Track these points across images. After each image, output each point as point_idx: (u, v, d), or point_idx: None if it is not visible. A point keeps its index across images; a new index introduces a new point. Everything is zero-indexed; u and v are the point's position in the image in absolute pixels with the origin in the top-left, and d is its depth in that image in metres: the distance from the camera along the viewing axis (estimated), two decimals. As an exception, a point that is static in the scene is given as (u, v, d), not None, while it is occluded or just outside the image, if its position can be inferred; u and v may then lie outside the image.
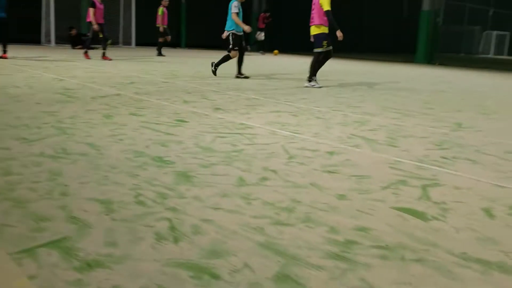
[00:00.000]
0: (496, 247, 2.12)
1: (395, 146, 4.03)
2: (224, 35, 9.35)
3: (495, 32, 44.79)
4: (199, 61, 14.71)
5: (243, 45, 9.44)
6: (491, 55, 41.36)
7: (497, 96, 8.57)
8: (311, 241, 2.09)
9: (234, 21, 9.11)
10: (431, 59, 19.07)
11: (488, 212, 2.56)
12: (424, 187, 2.94)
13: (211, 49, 21.97)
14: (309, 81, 8.32)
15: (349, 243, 2.10)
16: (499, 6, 46.07)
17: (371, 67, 15.43)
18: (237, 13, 9.08)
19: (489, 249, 2.10)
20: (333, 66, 14.10)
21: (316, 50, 8.13)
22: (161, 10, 15.74)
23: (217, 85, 8.03)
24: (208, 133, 4.20)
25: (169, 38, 16.06)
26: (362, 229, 2.26)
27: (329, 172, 3.17)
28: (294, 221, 2.31)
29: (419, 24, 18.97)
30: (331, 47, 8.09)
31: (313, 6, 8.05)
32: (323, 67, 8.47)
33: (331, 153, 3.69)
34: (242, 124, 4.67)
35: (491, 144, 4.32)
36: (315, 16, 8.03)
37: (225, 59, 9.32)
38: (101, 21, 12.42)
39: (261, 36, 21.23)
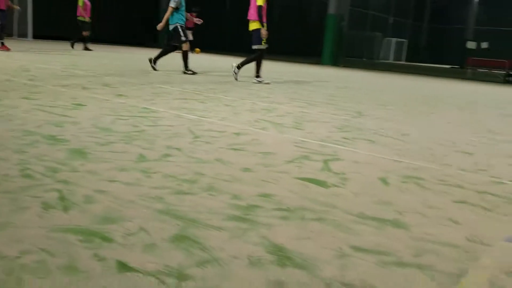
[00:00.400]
0: (391, 208, 2.21)
1: (300, 129, 4.10)
2: (160, 26, 9.01)
3: (394, 39, 48.19)
4: (106, 54, 14.08)
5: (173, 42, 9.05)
6: (390, 61, 44.38)
7: (394, 92, 9.15)
8: (213, 207, 2.03)
9: (180, 15, 8.80)
10: (336, 61, 19.98)
11: (384, 181, 2.67)
12: (325, 161, 3.01)
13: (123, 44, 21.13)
14: (257, 77, 8.27)
15: (252, 207, 2.06)
16: (398, 15, 49.62)
17: (280, 67, 15.78)
18: (176, 8, 8.73)
19: (384, 209, 2.18)
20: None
21: (254, 47, 8.04)
22: (81, 0, 14.71)
23: (119, 79, 7.71)
24: (108, 115, 3.98)
25: (87, 33, 15.06)
26: (265, 195, 2.24)
27: (235, 149, 3.14)
28: (197, 190, 2.23)
29: (325, 27, 19.81)
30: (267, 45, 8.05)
31: (251, 0, 7.96)
32: (242, 64, 8.42)
33: (237, 134, 3.66)
34: (145, 108, 4.50)
35: (388, 128, 4.57)
36: (251, 10, 7.96)
37: (168, 51, 9.08)
38: (2, 7, 11.47)
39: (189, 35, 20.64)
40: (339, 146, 3.50)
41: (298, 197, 2.25)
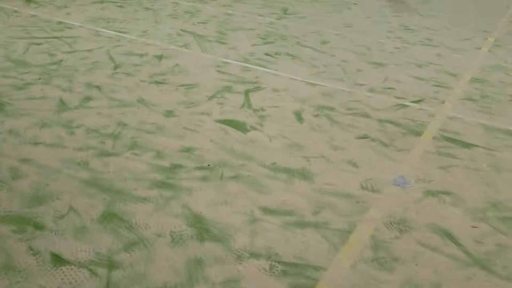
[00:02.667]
0: (301, 153, 2.46)
1: (223, 43, 4.11)
2: None
3: None
4: None
5: None
6: None
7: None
8: (137, 171, 2.18)
9: None
10: None
11: (298, 116, 2.88)
12: (246, 93, 3.15)
13: None
14: None
15: (174, 167, 2.24)
16: None
17: None
18: None
19: (295, 156, 2.43)
20: None
21: None
22: None
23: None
24: (20, 39, 3.76)
25: None
26: (187, 149, 2.40)
27: (157, 83, 3.17)
28: (120, 149, 2.35)
29: None
30: None
31: None
32: None
33: (159, 57, 3.64)
34: (60, 23, 4.24)
35: (311, 33, 4.65)
36: None
37: None
38: None
39: None
40: (261, 68, 3.61)
41: (218, 149, 2.43)
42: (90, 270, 1.61)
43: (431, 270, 1.74)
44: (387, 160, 2.46)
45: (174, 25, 4.48)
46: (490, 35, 5.11)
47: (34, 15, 4.40)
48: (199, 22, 4.67)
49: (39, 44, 3.68)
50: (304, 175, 2.27)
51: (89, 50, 3.64)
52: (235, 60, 3.72)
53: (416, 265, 1.76)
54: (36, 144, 2.33)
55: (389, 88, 3.43)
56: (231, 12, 5.19)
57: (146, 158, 2.29)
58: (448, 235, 1.93)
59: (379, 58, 4.06)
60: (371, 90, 3.37)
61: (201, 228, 1.85)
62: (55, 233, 1.76)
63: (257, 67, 3.62)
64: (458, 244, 1.88)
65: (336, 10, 5.69)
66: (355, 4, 6.12)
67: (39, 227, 1.79)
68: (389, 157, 2.49)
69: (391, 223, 1.97)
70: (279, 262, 1.71)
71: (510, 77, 3.84)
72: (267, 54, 3.93)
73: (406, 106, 3.14)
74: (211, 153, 2.39)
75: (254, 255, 1.74)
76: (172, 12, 4.95)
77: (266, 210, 1.99)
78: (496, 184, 2.31)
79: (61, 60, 3.40)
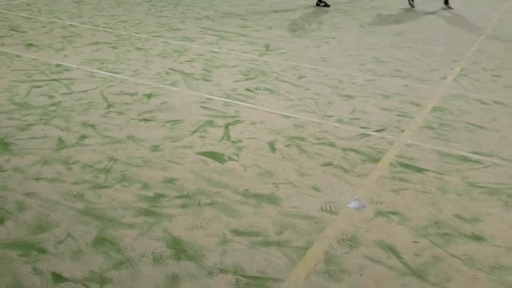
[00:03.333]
0: (271, 180, 2.80)
1: (208, 80, 4.49)
2: None
3: None
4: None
5: None
6: None
7: (302, 7, 9.43)
8: (125, 201, 2.52)
9: None
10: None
11: (272, 146, 3.24)
12: (226, 126, 3.51)
13: None
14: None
15: (158, 197, 2.58)
16: None
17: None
18: None
19: (265, 182, 2.77)
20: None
21: None
22: None
23: (28, 7, 7.41)
24: (22, 82, 4.14)
25: None
26: (170, 180, 2.74)
27: (146, 120, 3.54)
28: (111, 182, 2.69)
29: None
30: None
31: None
32: None
33: (148, 96, 4.01)
34: (58, 65, 4.64)
35: (289, 68, 5.05)
36: None
37: None
38: None
39: None
40: (241, 103, 3.98)
41: (197, 179, 2.77)
42: (85, 285, 1.93)
43: (373, 280, 2.06)
44: (346, 185, 2.80)
45: (163, 64, 4.88)
46: (457, 64, 5.53)
47: (34, 59, 4.80)
48: (186, 61, 5.07)
49: (39, 86, 4.06)
50: (272, 199, 2.61)
51: (85, 91, 4.02)
52: (218, 96, 4.10)
53: (361, 275, 2.08)
54: (38, 179, 2.67)
55: (355, 118, 3.80)
56: (217, 50, 5.60)
57: (133, 190, 2.63)
58: (392, 250, 2.25)
59: (350, 91, 4.45)
60: (339, 121, 3.73)
61: (179, 249, 2.18)
62: (55, 256, 2.08)
63: (238, 102, 3.99)
64: (399, 257, 2.21)
65: (314, 45, 6.12)
66: (333, 38, 6.56)
67: (41, 251, 2.11)
68: (348, 182, 2.84)
69: (343, 240, 2.30)
70: (244, 276, 2.03)
71: (469, 105, 4.22)
72: (247, 90, 4.31)
73: (369, 135, 3.50)
74: (191, 182, 2.73)
75: (223, 271, 2.06)
76: (162, 52, 5.35)
77: (236, 232, 2.32)
78: (440, 205, 2.65)
79: (59, 101, 3.77)
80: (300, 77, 4.77)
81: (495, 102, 4.33)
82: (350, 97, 4.29)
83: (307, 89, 4.43)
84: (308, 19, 7.83)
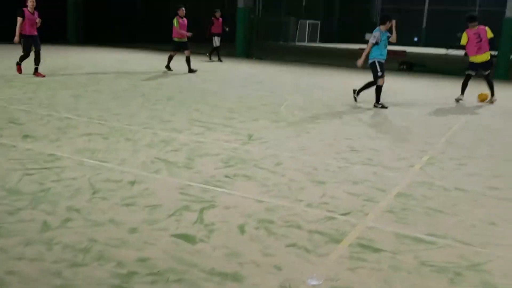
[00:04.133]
0: (237, 260, 3.03)
1: (190, 168, 4.83)
2: (360, 62, 9.12)
3: (308, 21, 49.94)
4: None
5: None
6: (306, 43, 46.09)
7: (292, 101, 10.09)
8: (100, 278, 2.72)
9: (379, 50, 8.98)
10: (249, 54, 20.81)
11: (242, 229, 3.49)
12: (201, 210, 3.78)
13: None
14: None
15: (131, 274, 2.78)
16: (310, -3, 51.30)
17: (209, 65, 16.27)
18: (376, 43, 8.94)
19: (231, 262, 2.99)
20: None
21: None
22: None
23: (29, 101, 7.97)
24: (15, 170, 4.46)
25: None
26: (144, 259, 2.96)
27: (127, 205, 3.81)
28: (89, 260, 2.91)
29: (237, 20, 20.51)
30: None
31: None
32: None
33: (132, 183, 4.32)
34: (51, 155, 5.00)
35: (269, 156, 5.42)
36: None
37: (369, 85, 9.36)
38: (34, 32, 10.81)
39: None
40: (218, 189, 4.28)
41: (168, 258, 2.99)
42: None
43: None
44: (307, 264, 3.02)
45: (150, 154, 5.25)
46: (426, 154, 5.92)
47: (29, 149, 5.17)
48: (172, 150, 5.46)
49: (31, 174, 4.38)
50: (235, 277, 2.81)
51: (74, 178, 4.34)
52: (197, 183, 4.41)
53: None
54: (20, 259, 2.89)
55: (324, 203, 4.08)
56: (202, 139, 6.02)
57: (108, 268, 2.84)
58: (342, 322, 2.44)
59: (322, 177, 4.78)
60: (309, 205, 4.01)
61: (144, 321, 2.36)
62: (28, 328, 2.26)
63: (215, 188, 4.30)
64: (347, 329, 2.39)
65: (295, 135, 6.56)
66: (314, 128, 7.04)
67: (16, 323, 2.29)
68: (309, 262, 3.05)
69: (297, 314, 2.49)
70: None
71: (432, 191, 4.53)
72: (226, 176, 4.63)
73: (334, 218, 3.77)
74: (163, 261, 2.95)
75: None
76: (150, 142, 5.76)
77: (198, 306, 2.51)
78: (392, 281, 2.85)
79: (49, 188, 4.07)
80: (278, 164, 5.12)
81: (457, 188, 4.65)
82: (322, 183, 4.61)
83: (282, 175, 4.76)
84: (294, 111, 8.39)
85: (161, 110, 7.87)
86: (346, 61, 18.53)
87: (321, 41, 51.07)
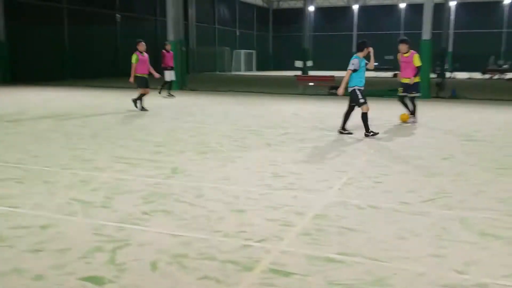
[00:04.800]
0: (145, 298, 2.97)
1: (107, 207, 4.72)
2: (340, 91, 9.14)
3: (243, 51, 50.91)
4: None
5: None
6: (242, 72, 46.88)
7: (221, 131, 10.19)
8: (-7, 333, 2.58)
9: (358, 77, 8.96)
10: (182, 85, 20.86)
11: (154, 266, 3.44)
12: (114, 250, 3.69)
13: None
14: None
15: (28, 325, 2.66)
16: (243, 27, 52.48)
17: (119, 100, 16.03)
18: (354, 70, 8.88)
19: (139, 301, 2.94)
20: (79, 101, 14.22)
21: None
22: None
23: None
24: None
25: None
26: (45, 308, 2.84)
27: (35, 251, 3.66)
28: (-17, 315, 2.75)
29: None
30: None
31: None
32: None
33: (44, 227, 4.16)
34: (-42, 205, 4.72)
35: (190, 189, 5.41)
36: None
37: (348, 115, 9.30)
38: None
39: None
40: (134, 227, 4.21)
41: (72, 304, 2.89)
42: None
43: None
44: (217, 296, 3.02)
45: (66, 195, 5.08)
46: (345, 174, 6.14)
47: None
48: (90, 190, 5.32)
49: None
50: (141, 317, 2.76)
51: (-21, 228, 4.11)
52: (113, 222, 4.31)
53: None
54: None
55: (241, 231, 4.11)
56: (124, 177, 5.92)
57: (5, 321, 2.70)
58: None
59: (243, 205, 4.82)
60: (226, 235, 4.03)
61: None
62: None
63: (132, 226, 4.22)
64: None
65: (220, 165, 6.60)
66: (240, 157, 7.11)
67: None
68: (219, 293, 3.06)
69: None
70: None
71: (347, 211, 4.69)
72: (144, 213, 4.57)
73: (250, 246, 3.80)
74: (65, 309, 2.84)
75: None
76: (68, 183, 5.58)
77: None
78: (299, 304, 2.91)
79: (-51, 240, 3.83)
80: (199, 196, 5.12)
81: (370, 206, 4.84)
82: (242, 211, 4.65)
83: (202, 207, 4.76)
84: (221, 141, 8.45)
85: (84, 149, 7.67)
86: (278, 88, 19.02)
87: (258, 69, 52.12)
